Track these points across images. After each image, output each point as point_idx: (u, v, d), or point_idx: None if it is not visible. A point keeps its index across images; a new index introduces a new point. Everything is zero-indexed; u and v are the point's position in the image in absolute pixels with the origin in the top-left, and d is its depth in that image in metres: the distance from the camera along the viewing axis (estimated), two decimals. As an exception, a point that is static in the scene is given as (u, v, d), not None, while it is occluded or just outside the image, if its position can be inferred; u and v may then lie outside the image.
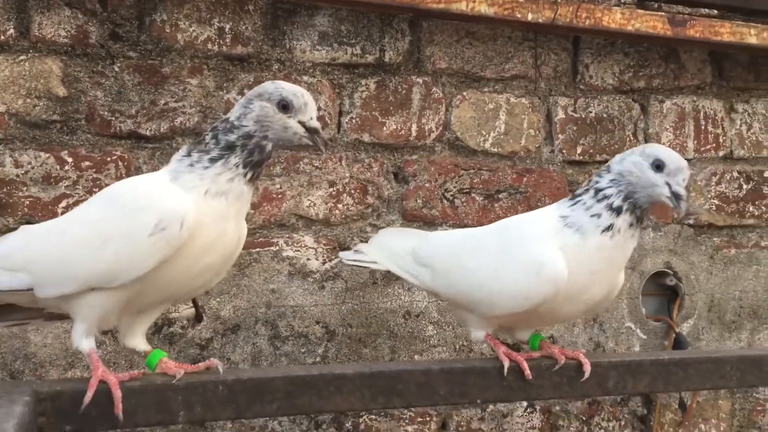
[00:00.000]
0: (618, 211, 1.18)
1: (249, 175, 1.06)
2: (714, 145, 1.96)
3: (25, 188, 1.45)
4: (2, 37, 1.44)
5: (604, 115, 1.87)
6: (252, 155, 1.06)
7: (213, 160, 1.05)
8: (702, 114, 1.95)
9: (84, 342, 1.03)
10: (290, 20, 1.62)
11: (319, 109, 1.63)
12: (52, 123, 1.47)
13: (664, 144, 1.91)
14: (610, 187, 1.19)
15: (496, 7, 1.64)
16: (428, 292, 1.47)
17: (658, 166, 1.17)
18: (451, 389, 1.14)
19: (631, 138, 1.89)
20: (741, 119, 1.99)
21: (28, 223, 1.44)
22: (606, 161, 1.84)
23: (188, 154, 1.06)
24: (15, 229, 1.42)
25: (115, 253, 1.01)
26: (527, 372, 1.17)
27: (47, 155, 1.47)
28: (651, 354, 1.46)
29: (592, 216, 1.19)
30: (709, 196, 1.95)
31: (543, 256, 1.16)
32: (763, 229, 2.00)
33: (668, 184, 1.17)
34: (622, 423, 1.87)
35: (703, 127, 1.95)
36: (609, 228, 1.18)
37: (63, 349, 1.45)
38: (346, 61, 1.66)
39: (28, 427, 0.83)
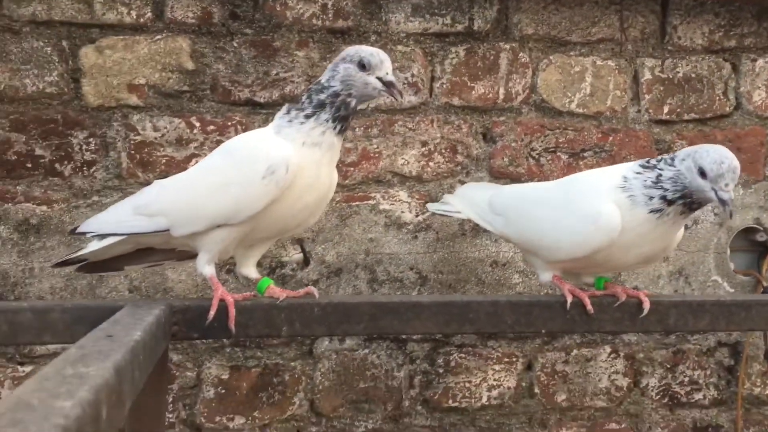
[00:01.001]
0: (671, 202, 1.25)
1: (338, 128, 1.24)
2: (810, 102, 1.96)
3: (162, 149, 1.71)
4: (142, 20, 1.70)
5: (693, 75, 1.92)
6: (339, 111, 1.23)
7: (307, 117, 1.24)
8: (797, 71, 1.96)
9: (207, 268, 1.25)
10: (386, -5, 1.78)
11: (412, 75, 1.80)
12: (182, 93, 1.72)
13: (755, 103, 1.94)
14: (669, 182, 1.25)
15: (580, -27, 1.74)
16: (502, 238, 1.61)
17: (702, 173, 1.21)
18: (518, 319, 1.28)
19: (721, 97, 1.93)
20: (840, 75, 1.98)
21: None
22: (694, 120, 1.92)
23: (288, 112, 1.26)
24: (154, 183, 1.69)
25: (235, 196, 1.22)
26: (589, 306, 1.29)
27: (179, 120, 1.72)
28: (713, 295, 1.53)
29: (646, 195, 1.26)
30: (804, 153, 1.96)
31: (601, 208, 1.27)
32: None
33: (714, 190, 1.21)
34: (708, 372, 1.94)
35: (798, 85, 1.96)
36: (658, 211, 1.26)
37: (194, 284, 1.71)
38: (438, 31, 1.81)
39: (164, 328, 1.06)
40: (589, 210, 1.27)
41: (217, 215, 1.23)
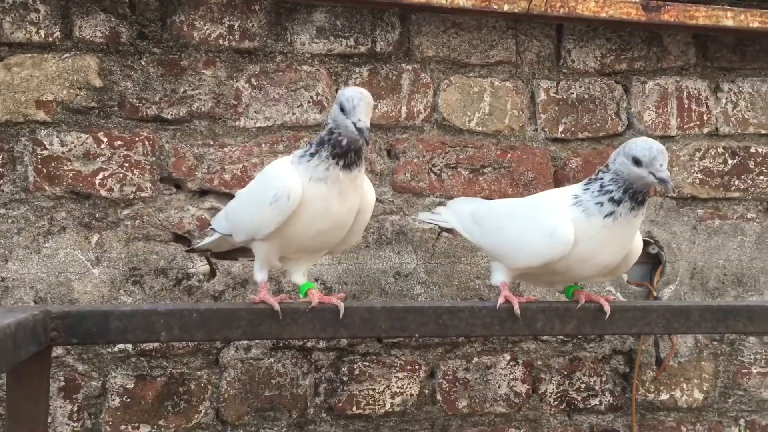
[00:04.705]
0: (618, 202, 1.38)
1: (341, 163, 1.31)
2: (698, 122, 2.08)
3: (69, 163, 1.76)
4: (50, 39, 1.75)
5: (586, 96, 2.02)
6: (335, 148, 1.30)
7: (311, 155, 1.33)
8: (685, 93, 2.07)
9: (258, 274, 1.42)
10: (291, 17, 1.86)
11: (317, 94, 1.88)
12: (90, 109, 1.77)
13: (646, 123, 2.05)
14: (611, 184, 1.39)
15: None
16: (477, 246, 1.70)
17: (637, 162, 1.35)
18: (392, 324, 1.35)
19: (613, 117, 2.04)
20: (727, 98, 2.10)
21: (73, 192, 1.75)
22: (588, 139, 2.02)
23: (304, 147, 1.37)
24: (63, 197, 1.75)
25: (254, 216, 1.36)
26: (517, 309, 1.41)
27: (87, 136, 1.77)
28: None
29: (597, 203, 1.39)
30: (693, 170, 2.07)
31: (556, 223, 1.39)
32: (749, 202, 2.10)
33: (652, 173, 1.34)
34: (603, 379, 2.03)
35: (686, 106, 2.07)
36: (610, 214, 1.38)
37: (100, 295, 1.75)
38: (341, 52, 1.89)
39: (33, 332, 1.11)
40: (547, 224, 1.39)
41: (248, 231, 1.40)
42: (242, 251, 1.60)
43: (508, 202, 1.65)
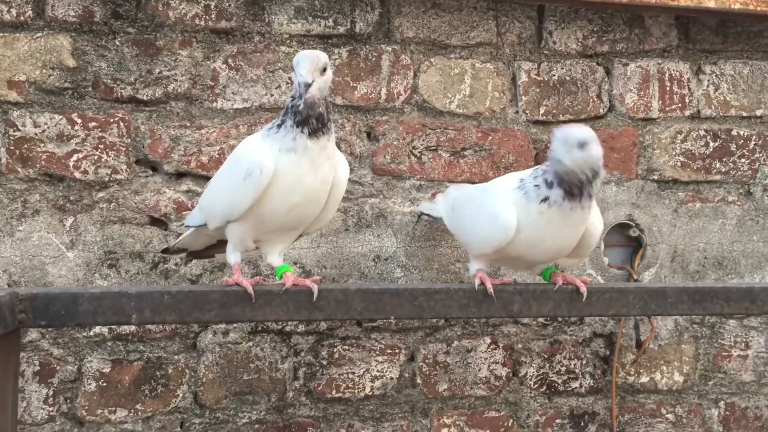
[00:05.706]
0: (550, 185, 1.36)
1: (307, 131, 1.29)
2: (680, 105, 2.07)
3: (42, 145, 1.73)
4: (22, 18, 1.72)
5: (567, 78, 2.01)
6: (296, 116, 1.29)
7: (279, 126, 1.32)
8: (667, 75, 2.06)
9: (231, 256, 1.40)
10: (268, -3, 1.84)
11: (295, 75, 1.85)
12: (64, 90, 1.74)
13: (627, 105, 2.04)
14: (547, 167, 1.38)
15: (453, -21, 1.81)
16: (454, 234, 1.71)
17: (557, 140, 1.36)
18: (367, 306, 1.34)
19: (595, 99, 2.02)
20: (709, 80, 2.09)
21: (47, 174, 1.73)
22: (570, 121, 2.01)
23: (275, 119, 1.35)
24: (37, 179, 1.72)
25: (229, 196, 1.34)
26: (490, 289, 1.40)
27: (60, 117, 1.74)
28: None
29: (535, 186, 1.38)
30: (674, 153, 2.06)
31: (498, 209, 1.39)
32: (730, 185, 2.10)
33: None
34: (584, 362, 2.03)
35: (668, 88, 2.06)
36: (545, 199, 1.36)
37: (75, 278, 1.73)
38: (320, 33, 1.87)
39: (2, 314, 1.09)
40: (491, 210, 1.40)
41: (223, 213, 1.38)
42: (219, 247, 1.57)
43: (472, 188, 1.65)
